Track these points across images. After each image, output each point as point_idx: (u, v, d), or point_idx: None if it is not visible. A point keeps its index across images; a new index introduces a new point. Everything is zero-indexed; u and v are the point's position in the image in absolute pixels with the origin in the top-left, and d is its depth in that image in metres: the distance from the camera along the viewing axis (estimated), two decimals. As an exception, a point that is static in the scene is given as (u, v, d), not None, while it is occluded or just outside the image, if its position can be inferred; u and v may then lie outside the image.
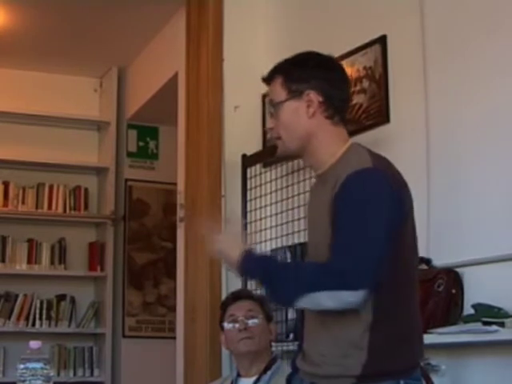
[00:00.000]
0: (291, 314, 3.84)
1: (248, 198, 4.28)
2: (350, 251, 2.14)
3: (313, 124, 2.33)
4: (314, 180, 3.60)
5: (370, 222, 2.16)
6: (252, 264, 2.26)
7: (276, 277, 2.21)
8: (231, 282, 4.24)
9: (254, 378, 3.30)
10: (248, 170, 4.31)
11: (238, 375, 3.40)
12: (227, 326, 3.37)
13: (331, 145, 2.34)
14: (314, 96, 2.32)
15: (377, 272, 2.14)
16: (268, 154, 4.28)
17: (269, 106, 2.42)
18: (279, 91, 2.36)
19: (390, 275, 2.18)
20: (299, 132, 2.34)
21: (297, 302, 2.17)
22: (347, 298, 2.12)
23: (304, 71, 2.36)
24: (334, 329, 2.23)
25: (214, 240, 2.35)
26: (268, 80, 2.41)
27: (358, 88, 3.79)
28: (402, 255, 2.24)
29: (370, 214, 2.17)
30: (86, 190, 6.12)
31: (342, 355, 2.20)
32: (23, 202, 5.92)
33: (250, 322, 3.32)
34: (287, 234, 3.99)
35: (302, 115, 2.33)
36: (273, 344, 3.51)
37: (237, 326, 3.33)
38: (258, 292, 3.54)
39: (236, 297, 3.47)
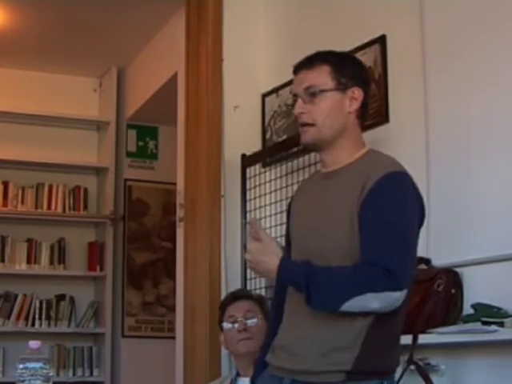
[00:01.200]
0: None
1: (247, 197, 4.28)
2: (394, 252, 2.15)
3: (349, 120, 2.38)
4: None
5: (410, 224, 2.21)
6: (291, 270, 2.23)
7: (319, 281, 2.18)
8: (231, 282, 4.24)
9: (253, 378, 3.31)
10: (247, 170, 4.31)
11: (238, 375, 3.41)
12: (226, 326, 3.37)
13: (355, 145, 2.39)
14: (358, 94, 2.37)
15: (413, 273, 2.23)
16: (268, 154, 4.28)
17: (303, 90, 2.37)
18: (325, 79, 2.36)
19: None
20: (337, 123, 2.36)
21: (342, 305, 2.15)
22: (394, 298, 2.14)
23: (353, 68, 2.41)
24: (329, 325, 2.24)
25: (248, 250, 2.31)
26: (311, 65, 2.39)
27: (357, 88, 3.78)
28: (414, 259, 2.30)
29: (409, 216, 2.22)
30: (86, 189, 6.12)
31: (334, 350, 2.22)
32: (23, 202, 5.92)
33: (249, 322, 3.33)
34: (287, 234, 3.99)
35: (343, 109, 2.36)
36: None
37: (236, 326, 3.33)
38: (257, 292, 3.54)
39: (235, 297, 3.47)
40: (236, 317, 3.35)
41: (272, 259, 2.24)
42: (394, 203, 2.20)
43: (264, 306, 3.41)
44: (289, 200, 4.04)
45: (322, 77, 2.36)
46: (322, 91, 2.35)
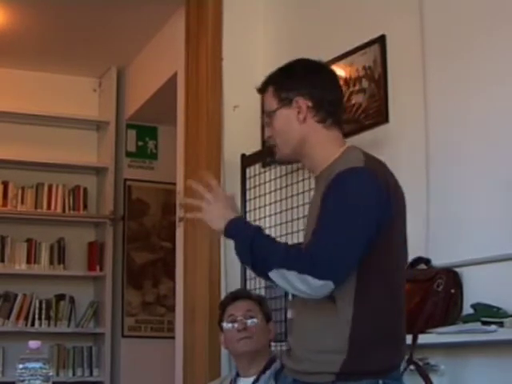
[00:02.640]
0: (290, 314, 3.84)
1: (247, 197, 4.28)
2: (322, 241, 2.18)
3: (304, 129, 2.38)
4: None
5: (349, 218, 2.20)
6: (236, 229, 2.32)
7: (257, 245, 2.25)
8: (230, 282, 4.24)
9: (252, 378, 3.31)
10: (247, 170, 4.31)
11: (237, 375, 3.41)
12: (226, 326, 3.37)
13: (325, 148, 2.38)
14: (302, 102, 2.38)
15: (343, 267, 2.19)
16: (267, 154, 4.28)
17: (264, 116, 2.47)
18: (271, 101, 2.42)
19: (371, 274, 2.23)
20: (292, 138, 2.40)
21: (270, 272, 2.22)
22: (315, 285, 2.16)
23: (291, 79, 2.43)
24: (314, 325, 2.27)
25: (208, 201, 2.41)
26: (261, 91, 2.48)
27: (357, 88, 3.79)
28: (386, 255, 2.26)
29: (351, 210, 2.20)
30: (85, 189, 6.12)
31: (323, 351, 2.24)
32: (22, 202, 5.92)
33: (249, 321, 3.33)
34: (286, 234, 3.99)
35: (293, 122, 2.39)
36: (272, 344, 3.51)
37: (236, 325, 3.33)
38: (257, 292, 3.54)
39: (235, 297, 3.47)
40: (236, 316, 3.35)
41: (228, 213, 2.36)
42: (336, 198, 2.21)
43: (263, 306, 3.41)
44: (288, 200, 4.08)
45: (269, 99, 2.43)
46: (271, 113, 2.42)
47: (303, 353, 2.29)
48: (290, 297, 2.49)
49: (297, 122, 2.38)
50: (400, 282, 2.33)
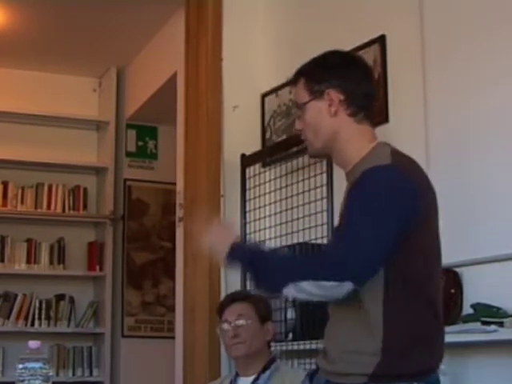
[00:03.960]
0: (290, 314, 3.84)
1: (247, 197, 4.28)
2: (345, 243, 2.14)
3: (336, 123, 2.33)
4: (316, 179, 3.59)
5: (375, 218, 2.14)
6: (239, 253, 2.27)
7: (262, 266, 2.22)
8: (230, 282, 4.24)
9: (252, 378, 3.31)
10: (247, 170, 4.31)
11: (237, 374, 3.41)
12: (220, 331, 3.39)
13: (356, 143, 2.33)
14: (334, 95, 2.32)
15: (367, 268, 2.13)
16: (267, 154, 4.28)
17: (295, 108, 2.42)
18: (302, 93, 2.36)
19: (398, 276, 2.17)
20: (323, 132, 2.34)
21: (283, 289, 2.17)
22: (331, 288, 2.11)
23: (323, 70, 2.37)
24: (347, 327, 2.23)
25: (207, 234, 2.36)
26: (293, 82, 2.41)
27: (357, 88, 3.78)
28: (416, 254, 2.21)
29: (376, 210, 2.15)
30: (85, 189, 6.12)
31: (357, 352, 2.20)
32: (22, 202, 5.92)
33: (240, 326, 3.33)
34: (286, 234, 3.99)
35: (325, 115, 2.33)
36: (272, 344, 3.51)
37: (228, 331, 3.34)
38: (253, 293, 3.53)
39: (230, 300, 3.48)
40: (229, 321, 3.36)
41: (225, 245, 2.29)
42: (362, 197, 2.17)
43: (260, 307, 3.40)
44: (288, 199, 4.08)
45: (300, 91, 2.37)
46: (302, 105, 2.36)
47: (337, 354, 2.24)
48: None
49: (328, 115, 2.33)
50: (433, 285, 2.28)
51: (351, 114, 2.33)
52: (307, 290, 2.13)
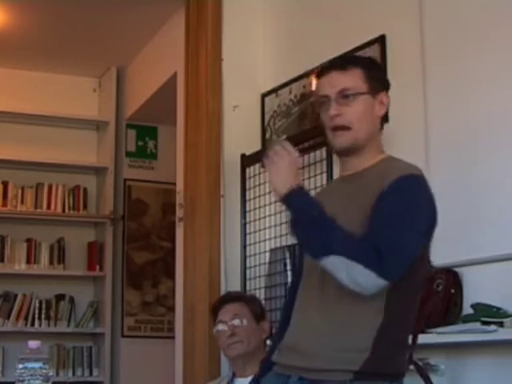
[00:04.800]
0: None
1: (247, 197, 4.28)
2: (394, 237, 2.14)
3: (376, 124, 2.39)
4: (316, 179, 3.58)
5: (415, 223, 2.20)
6: (298, 201, 2.21)
7: (318, 226, 2.17)
8: (230, 282, 4.24)
9: (249, 378, 3.30)
10: (247, 170, 4.31)
11: (234, 375, 3.41)
12: (216, 331, 3.40)
13: (377, 149, 2.40)
14: (386, 99, 2.38)
15: (404, 270, 2.16)
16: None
17: (337, 94, 2.33)
18: (358, 82, 2.34)
19: (406, 281, 2.20)
20: (369, 128, 2.36)
21: (327, 256, 2.13)
22: (377, 282, 2.11)
23: (381, 73, 2.46)
24: (340, 324, 2.23)
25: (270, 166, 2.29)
26: (343, 67, 2.36)
27: (357, 88, 3.78)
28: (423, 263, 2.28)
29: (417, 216, 2.21)
30: (85, 189, 6.12)
31: (344, 350, 2.21)
32: (22, 202, 5.92)
33: (237, 326, 3.33)
34: (286, 234, 3.99)
35: (374, 113, 2.37)
36: (268, 342, 3.51)
37: (224, 331, 3.34)
38: (257, 292, 3.53)
39: (223, 301, 3.49)
40: (224, 321, 3.36)
41: (291, 179, 2.24)
42: (403, 201, 2.20)
43: (253, 306, 3.41)
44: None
45: (356, 80, 2.34)
46: (357, 94, 2.32)
47: (317, 349, 2.23)
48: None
49: (376, 115, 2.37)
50: (422, 289, 2.34)
51: (382, 123, 2.41)
52: (352, 272, 2.10)
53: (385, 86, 2.40)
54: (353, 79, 2.34)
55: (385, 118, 2.43)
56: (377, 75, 2.39)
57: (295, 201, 2.22)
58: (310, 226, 2.18)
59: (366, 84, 2.34)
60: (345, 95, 2.32)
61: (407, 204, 2.20)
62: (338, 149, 2.40)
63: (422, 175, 2.29)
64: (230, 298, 3.50)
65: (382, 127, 2.43)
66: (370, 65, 2.41)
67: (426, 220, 2.26)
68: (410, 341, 2.34)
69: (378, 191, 2.22)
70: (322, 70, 2.41)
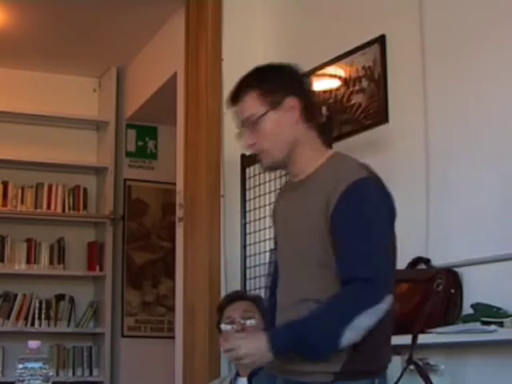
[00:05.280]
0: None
1: (247, 197, 4.28)
2: (370, 262, 2.16)
3: (296, 131, 2.35)
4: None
5: (378, 232, 2.21)
6: (280, 340, 2.20)
7: (310, 333, 2.17)
8: (230, 282, 4.24)
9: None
10: (247, 170, 4.31)
11: (237, 374, 3.40)
12: (225, 328, 3.38)
13: (314, 151, 2.37)
14: (294, 102, 2.34)
15: (392, 276, 2.21)
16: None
17: (243, 123, 2.36)
18: (256, 105, 2.34)
19: None
20: (285, 140, 2.34)
21: (341, 342, 2.13)
22: (382, 309, 2.14)
23: (278, 81, 2.37)
24: None
25: (233, 347, 2.25)
26: (238, 98, 2.37)
27: (356, 88, 3.79)
28: (393, 260, 2.29)
29: (377, 224, 2.21)
30: (85, 189, 6.12)
31: None
32: (22, 202, 5.92)
33: (247, 322, 3.32)
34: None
35: (285, 124, 2.34)
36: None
37: (234, 327, 3.33)
38: (257, 292, 3.53)
39: (231, 299, 3.48)
40: (233, 318, 3.35)
41: (259, 338, 2.21)
42: (358, 218, 2.19)
43: (260, 306, 3.41)
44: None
45: (252, 104, 2.34)
46: (260, 117, 2.32)
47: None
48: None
49: (289, 124, 2.33)
50: (394, 287, 2.33)
51: (308, 122, 2.36)
52: (364, 323, 2.12)
53: (288, 90, 2.34)
54: (250, 105, 2.34)
55: (311, 115, 2.36)
56: (273, 87, 2.34)
57: (282, 346, 2.20)
58: (312, 342, 2.16)
59: (264, 103, 2.32)
60: (250, 122, 2.33)
61: (364, 217, 2.19)
62: (264, 170, 2.47)
63: (368, 176, 2.26)
64: (238, 296, 3.50)
65: (312, 126, 2.37)
66: (262, 81, 2.37)
67: (385, 221, 2.25)
68: (389, 336, 2.33)
69: (329, 201, 2.21)
70: (226, 104, 2.44)
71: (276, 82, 2.37)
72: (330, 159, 2.35)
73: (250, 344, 2.22)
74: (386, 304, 2.15)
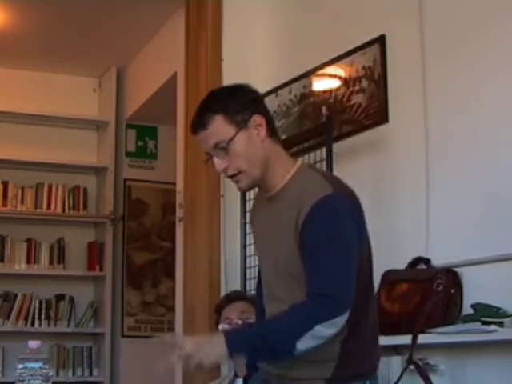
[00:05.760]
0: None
1: (247, 197, 4.27)
2: (332, 280, 2.18)
3: (266, 147, 2.34)
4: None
5: (342, 249, 2.21)
6: (238, 340, 2.21)
7: (268, 335, 2.18)
8: (230, 282, 4.24)
9: (252, 378, 3.30)
10: (247, 170, 4.30)
11: (236, 375, 3.40)
12: (222, 328, 3.38)
13: (282, 165, 2.37)
14: (259, 119, 2.33)
15: (352, 295, 2.21)
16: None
17: (213, 149, 2.33)
18: (224, 129, 2.31)
19: (356, 293, 2.24)
20: (259, 158, 2.33)
21: (297, 346, 2.15)
22: (339, 322, 2.17)
23: (240, 101, 2.35)
24: None
25: (184, 353, 2.25)
26: (203, 125, 2.33)
27: (356, 88, 3.79)
28: (362, 274, 2.28)
29: (343, 240, 2.22)
30: (85, 189, 6.12)
31: (314, 362, 2.26)
32: (22, 202, 5.92)
33: (244, 323, 3.32)
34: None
35: (255, 141, 2.33)
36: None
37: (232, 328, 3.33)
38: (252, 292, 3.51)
39: (230, 299, 3.48)
40: (231, 318, 3.35)
41: (216, 340, 2.21)
42: (324, 236, 2.21)
43: None
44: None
45: (221, 128, 2.31)
46: (230, 140, 2.30)
47: (290, 361, 2.26)
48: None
49: (258, 141, 2.32)
50: (371, 296, 2.38)
51: (272, 137, 2.36)
52: (320, 334, 2.14)
53: (251, 108, 2.33)
54: (216, 131, 2.31)
55: (272, 129, 2.37)
56: (237, 108, 2.32)
57: (237, 347, 2.19)
58: (266, 346, 2.17)
59: (232, 125, 2.31)
60: (220, 148, 2.31)
61: (331, 234, 2.21)
62: (242, 191, 2.50)
63: (334, 191, 2.26)
64: (236, 297, 3.50)
65: (276, 141, 2.38)
66: (225, 102, 2.34)
67: (350, 237, 2.24)
68: (375, 337, 2.36)
69: (299, 217, 2.23)
70: (192, 131, 2.40)
71: (238, 102, 2.34)
72: (298, 173, 2.35)
73: (207, 352, 2.19)
74: (343, 318, 2.17)
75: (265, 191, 2.40)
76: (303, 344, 2.15)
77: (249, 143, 2.32)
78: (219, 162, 2.33)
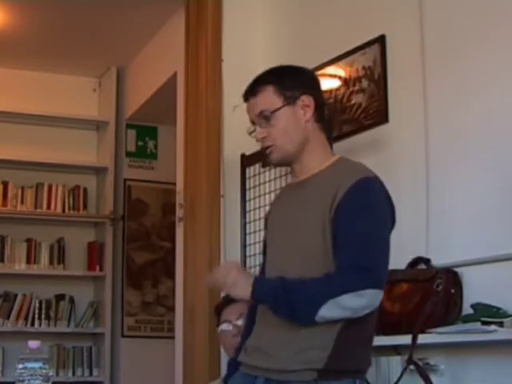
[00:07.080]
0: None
1: (247, 197, 4.28)
2: (369, 253, 2.19)
3: (308, 128, 2.40)
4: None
5: (381, 230, 2.25)
6: (265, 286, 2.25)
7: (293, 292, 2.19)
8: (230, 282, 4.23)
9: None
10: (247, 170, 4.31)
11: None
12: (221, 330, 3.38)
13: (321, 151, 2.42)
14: (308, 100, 2.38)
15: (386, 276, 2.24)
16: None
17: (257, 117, 2.41)
18: (272, 99, 2.39)
19: None
20: (298, 136, 2.38)
21: (319, 311, 2.15)
22: (375, 296, 2.17)
23: (296, 78, 2.43)
24: (301, 326, 2.25)
25: (215, 274, 2.32)
26: (254, 92, 2.42)
27: (356, 88, 3.79)
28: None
29: (380, 223, 2.25)
30: (85, 189, 6.12)
31: (307, 349, 2.24)
32: (22, 202, 5.92)
33: (242, 325, 3.32)
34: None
35: (299, 120, 2.39)
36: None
37: (230, 330, 3.32)
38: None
39: (228, 300, 3.47)
40: (230, 321, 3.34)
41: (247, 279, 2.26)
42: (365, 211, 2.24)
43: None
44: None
45: (268, 98, 2.39)
46: (274, 111, 2.37)
47: (280, 350, 2.27)
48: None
49: (302, 121, 2.38)
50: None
51: (319, 122, 2.41)
52: (347, 303, 2.14)
53: (304, 88, 2.40)
54: (265, 99, 2.39)
55: (321, 116, 2.42)
56: (290, 84, 2.40)
57: (261, 292, 2.25)
58: (287, 302, 2.20)
59: (280, 98, 2.38)
60: (264, 116, 2.38)
61: (369, 214, 2.24)
62: (272, 164, 2.53)
63: (376, 176, 2.32)
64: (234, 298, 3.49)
65: (324, 125, 2.43)
66: (281, 76, 2.42)
67: (388, 219, 2.30)
68: (372, 338, 2.36)
69: (336, 197, 2.25)
70: (243, 98, 2.50)
71: (294, 79, 2.42)
72: (337, 162, 2.39)
73: (239, 288, 2.25)
74: (376, 293, 2.17)
75: (296, 174, 2.43)
76: (327, 311, 2.15)
77: (291, 119, 2.37)
78: (260, 131, 2.40)
